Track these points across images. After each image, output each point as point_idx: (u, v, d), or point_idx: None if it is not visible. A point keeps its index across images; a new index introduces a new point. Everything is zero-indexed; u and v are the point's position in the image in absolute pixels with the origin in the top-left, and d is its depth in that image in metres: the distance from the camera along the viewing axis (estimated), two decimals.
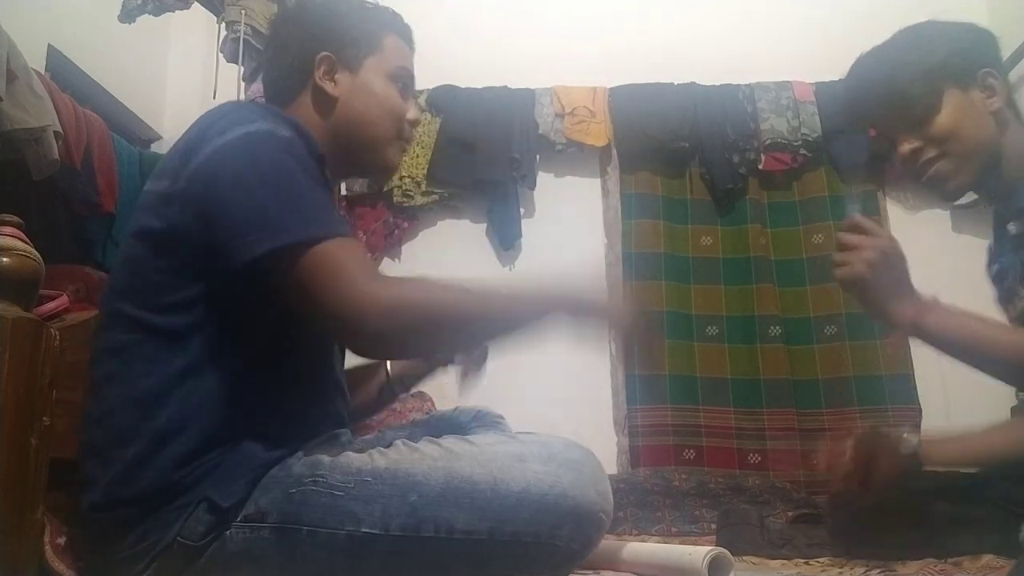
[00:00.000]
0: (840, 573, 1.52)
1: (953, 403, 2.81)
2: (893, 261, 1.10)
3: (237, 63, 2.31)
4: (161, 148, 3.09)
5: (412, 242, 3.19)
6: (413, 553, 0.85)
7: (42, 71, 2.37)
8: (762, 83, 3.16)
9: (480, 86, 3.21)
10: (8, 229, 0.95)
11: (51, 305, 1.07)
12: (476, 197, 3.16)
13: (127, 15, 2.48)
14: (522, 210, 3.17)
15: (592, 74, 3.21)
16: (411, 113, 1.14)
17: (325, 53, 1.09)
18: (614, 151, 3.18)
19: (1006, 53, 2.76)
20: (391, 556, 0.85)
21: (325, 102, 1.09)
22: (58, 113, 2.04)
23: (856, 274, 1.10)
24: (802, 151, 3.08)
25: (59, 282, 1.20)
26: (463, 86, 3.22)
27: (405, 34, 1.16)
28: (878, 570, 1.46)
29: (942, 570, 1.35)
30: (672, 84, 3.19)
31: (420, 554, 0.85)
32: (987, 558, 1.38)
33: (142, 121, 3.13)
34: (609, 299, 1.05)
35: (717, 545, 1.56)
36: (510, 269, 3.11)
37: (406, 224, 3.17)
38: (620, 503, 2.49)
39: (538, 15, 3.37)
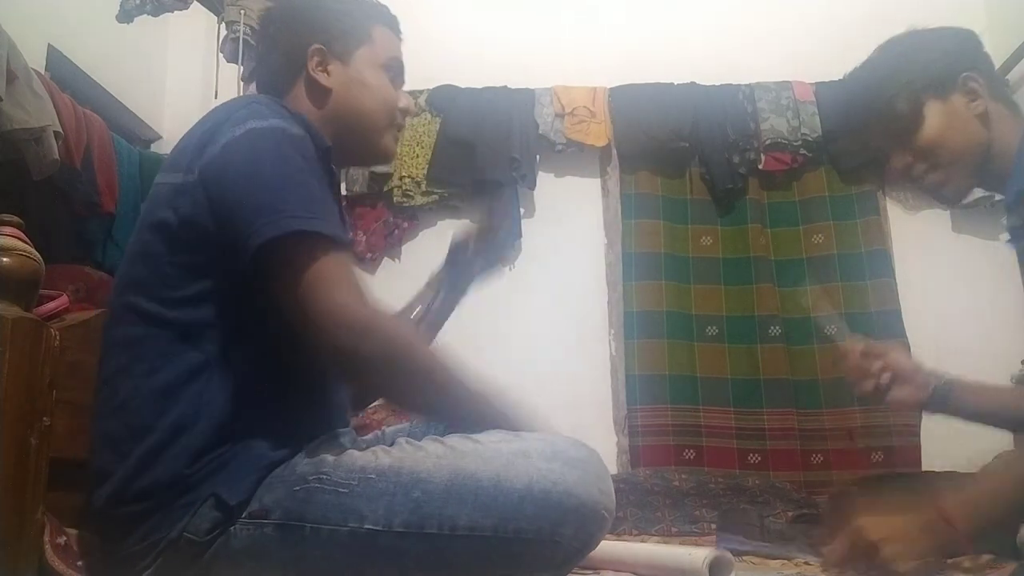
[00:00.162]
0: (840, 573, 1.52)
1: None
2: (902, 530, 1.10)
3: (237, 63, 2.30)
4: (161, 148, 3.09)
5: (412, 242, 3.19)
6: (416, 550, 0.85)
7: (42, 71, 2.37)
8: (762, 83, 3.16)
9: (480, 86, 3.21)
10: (8, 229, 0.95)
11: (51, 305, 1.07)
12: (476, 197, 3.16)
13: (125, 15, 2.48)
14: (522, 210, 3.17)
15: (592, 74, 3.21)
16: (403, 102, 1.17)
17: (317, 45, 1.11)
18: (614, 151, 3.18)
19: (1006, 53, 2.77)
20: (394, 553, 0.85)
21: (319, 93, 1.11)
22: (58, 113, 2.05)
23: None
24: (802, 151, 3.08)
25: (59, 282, 1.20)
26: (463, 86, 3.22)
27: (393, 24, 1.18)
28: (878, 570, 1.46)
29: (942, 570, 1.34)
30: (672, 84, 3.19)
31: (423, 551, 0.85)
32: (987, 558, 1.38)
33: (142, 121, 3.13)
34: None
35: (717, 545, 1.56)
36: (510, 269, 3.11)
37: (406, 224, 3.17)
38: (620, 503, 2.48)
39: (538, 15, 3.37)
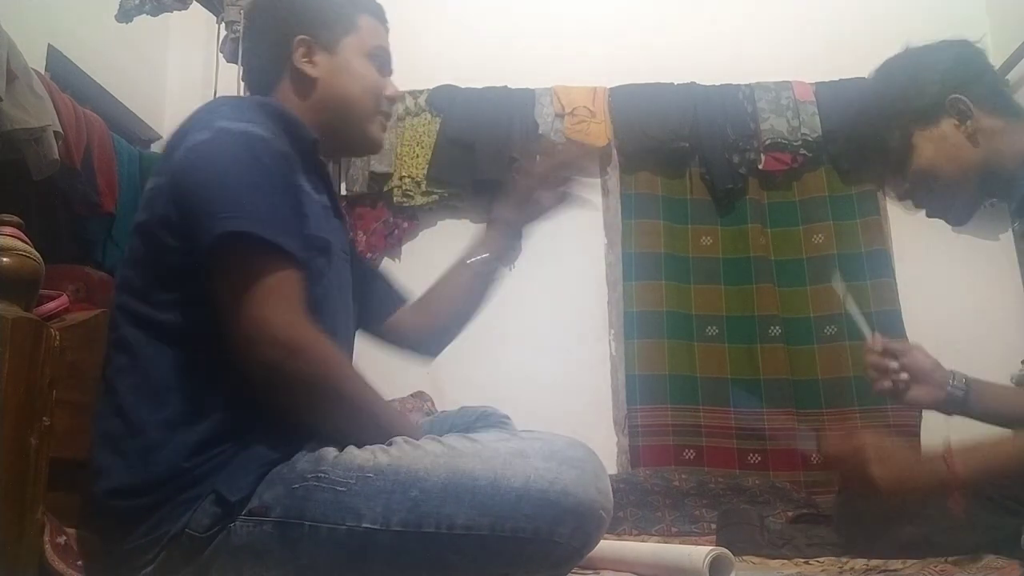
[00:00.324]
0: (840, 573, 1.52)
1: None
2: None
3: (237, 63, 2.30)
4: (161, 148, 3.08)
5: (412, 242, 3.19)
6: (414, 548, 0.85)
7: (42, 71, 2.37)
8: (762, 83, 3.15)
9: (480, 86, 3.20)
10: (8, 229, 0.96)
11: (51, 305, 1.07)
12: (476, 197, 3.16)
13: (124, 15, 2.48)
14: None
15: (592, 74, 3.21)
16: (389, 90, 1.17)
17: (302, 36, 1.11)
18: (614, 151, 3.18)
19: (1006, 53, 2.77)
20: (392, 551, 0.85)
21: (305, 84, 1.11)
22: (58, 113, 2.04)
23: (873, 474, 1.12)
24: (802, 151, 3.08)
25: (59, 282, 1.20)
26: (463, 86, 3.21)
27: (379, 13, 1.19)
28: (878, 570, 1.46)
29: (942, 570, 1.35)
30: (672, 84, 3.19)
31: (421, 549, 0.85)
32: (987, 558, 1.38)
33: (142, 121, 3.13)
34: None
35: (717, 545, 1.56)
36: (510, 269, 3.10)
37: (406, 224, 3.17)
38: (620, 503, 2.49)
39: (538, 15, 3.36)
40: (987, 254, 3.05)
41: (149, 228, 0.95)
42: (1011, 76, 2.80)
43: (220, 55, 2.48)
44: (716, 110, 3.12)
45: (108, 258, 2.36)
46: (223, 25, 2.46)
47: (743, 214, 3.12)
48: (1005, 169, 1.19)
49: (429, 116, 3.18)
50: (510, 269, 1.34)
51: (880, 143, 1.22)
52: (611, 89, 3.19)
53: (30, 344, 0.91)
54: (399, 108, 3.16)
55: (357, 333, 1.26)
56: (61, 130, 2.03)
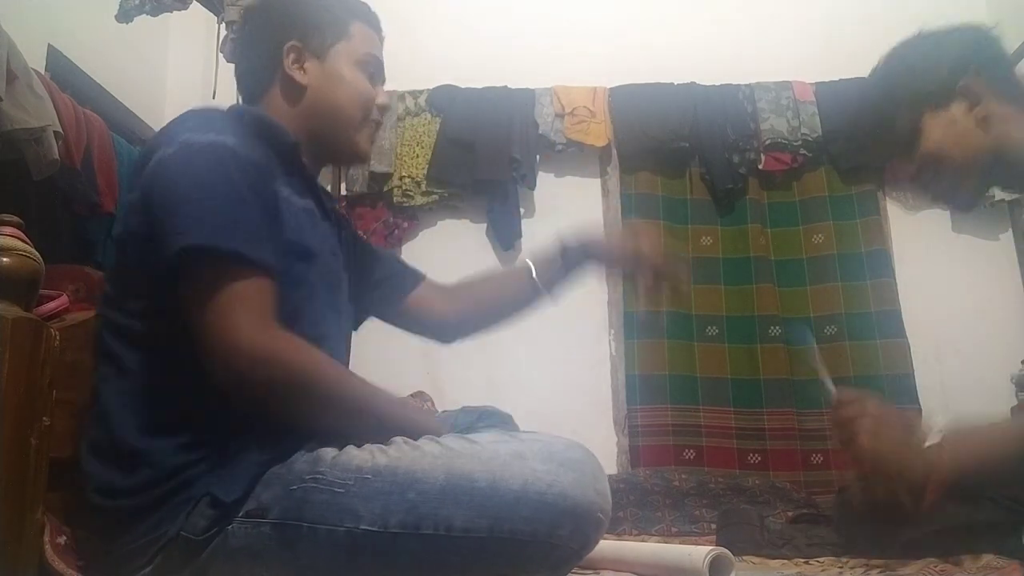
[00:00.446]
0: (840, 573, 1.52)
1: (952, 403, 2.81)
2: (888, 419, 1.08)
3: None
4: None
5: (412, 242, 3.19)
6: (412, 550, 0.85)
7: (42, 71, 2.37)
8: (762, 83, 3.16)
9: (480, 86, 3.21)
10: (8, 229, 0.95)
11: (51, 305, 1.07)
12: (476, 197, 3.16)
13: (124, 15, 2.48)
14: (522, 210, 3.17)
15: (592, 74, 3.21)
16: (380, 98, 1.15)
17: (293, 42, 1.10)
18: (614, 151, 3.19)
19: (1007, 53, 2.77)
20: (390, 553, 0.85)
21: (295, 91, 1.11)
22: (58, 113, 2.05)
23: (862, 445, 1.06)
24: (802, 151, 3.08)
25: (59, 282, 1.20)
26: (463, 86, 3.21)
27: (372, 21, 1.17)
28: (878, 570, 1.46)
29: (942, 570, 1.35)
30: (672, 84, 3.19)
31: (419, 551, 0.85)
32: (987, 558, 1.38)
33: (142, 121, 3.12)
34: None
35: (717, 545, 1.56)
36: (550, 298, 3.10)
37: (406, 224, 3.17)
38: (620, 503, 2.49)
39: (538, 15, 3.36)
40: (987, 254, 3.05)
41: (124, 241, 0.96)
42: None
43: (220, 55, 2.48)
44: (716, 110, 3.12)
45: (108, 258, 2.35)
46: (223, 25, 2.46)
47: (743, 214, 3.12)
48: (1013, 157, 1.18)
49: (429, 116, 3.18)
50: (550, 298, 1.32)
51: (888, 122, 1.21)
52: (611, 89, 3.20)
53: (30, 344, 0.91)
54: (399, 108, 3.16)
55: (380, 322, 1.26)
56: (61, 130, 2.03)
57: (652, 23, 3.34)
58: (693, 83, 3.18)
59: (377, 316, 1.29)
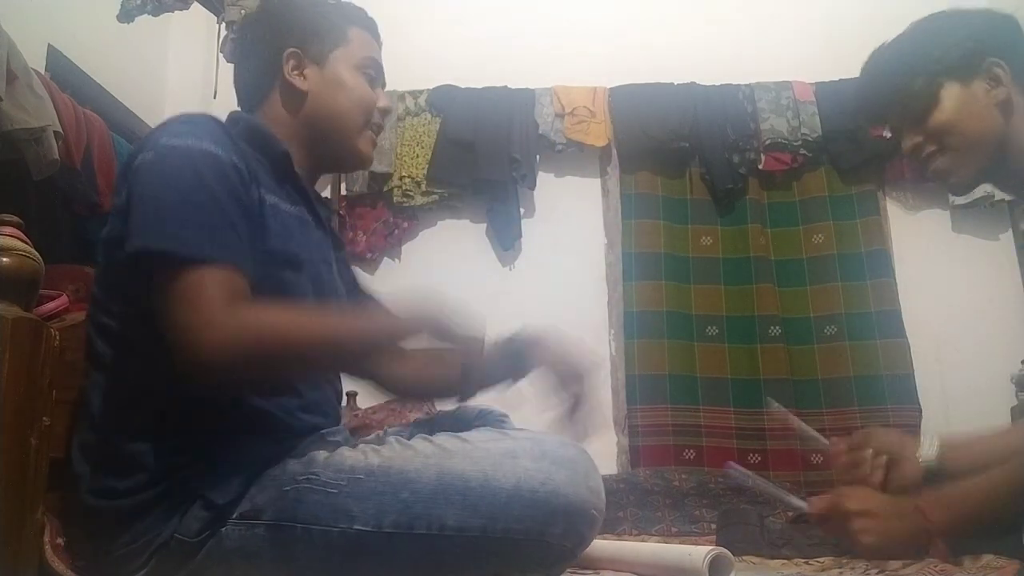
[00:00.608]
0: (840, 573, 1.52)
1: (952, 403, 2.82)
2: (878, 509, 1.09)
3: None
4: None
5: (412, 242, 3.19)
6: (406, 550, 0.85)
7: (42, 71, 2.37)
8: (762, 83, 3.16)
9: (480, 86, 3.21)
10: (8, 229, 0.96)
11: (51, 305, 1.07)
12: (476, 197, 3.16)
13: (126, 15, 2.48)
14: (522, 210, 3.17)
15: (592, 74, 3.21)
16: (381, 101, 1.15)
17: (292, 49, 1.10)
18: (614, 151, 3.19)
19: None
20: (384, 553, 0.85)
21: (295, 97, 1.11)
22: (58, 113, 2.04)
23: (866, 545, 1.09)
24: (802, 151, 3.08)
25: (59, 282, 1.20)
26: (463, 86, 3.22)
27: (370, 27, 1.18)
28: (877, 570, 1.46)
29: (942, 570, 1.34)
30: (672, 84, 3.19)
31: (413, 551, 0.85)
32: (987, 558, 1.37)
33: (142, 121, 3.12)
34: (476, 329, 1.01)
35: (717, 545, 1.56)
36: (510, 269, 3.11)
37: (406, 224, 3.17)
38: (620, 503, 2.49)
39: (538, 15, 3.37)
40: (987, 254, 3.05)
41: (109, 244, 0.95)
42: None
43: (220, 55, 2.48)
44: (716, 110, 3.13)
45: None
46: (223, 25, 2.47)
47: (743, 214, 3.12)
48: (1015, 158, 1.17)
49: (429, 116, 3.18)
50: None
51: (904, 86, 1.19)
52: (611, 89, 3.20)
53: (30, 344, 0.91)
54: (399, 108, 3.16)
55: None
56: (61, 130, 2.03)
57: (652, 23, 3.34)
58: (693, 83, 3.18)
59: None
